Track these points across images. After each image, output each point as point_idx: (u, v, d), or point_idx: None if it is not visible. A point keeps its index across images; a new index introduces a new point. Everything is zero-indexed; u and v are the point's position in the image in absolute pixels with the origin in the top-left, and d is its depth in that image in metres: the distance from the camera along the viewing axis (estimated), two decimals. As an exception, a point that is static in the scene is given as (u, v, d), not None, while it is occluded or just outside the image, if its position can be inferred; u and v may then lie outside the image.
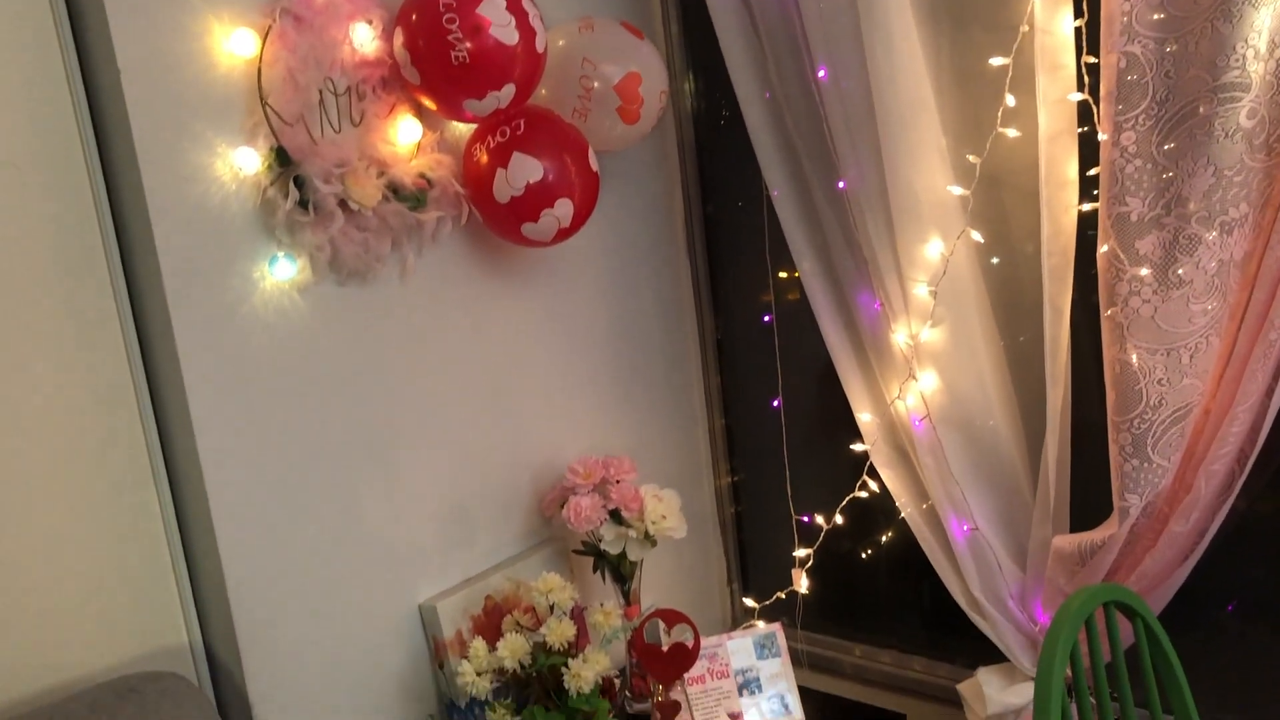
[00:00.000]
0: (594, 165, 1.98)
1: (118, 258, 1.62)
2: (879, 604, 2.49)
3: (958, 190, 1.90)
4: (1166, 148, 1.62)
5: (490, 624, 2.03)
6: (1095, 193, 1.72)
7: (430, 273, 1.99)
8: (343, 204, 1.74)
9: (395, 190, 1.82)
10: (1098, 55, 1.68)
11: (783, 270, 2.38)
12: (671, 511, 2.10)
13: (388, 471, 1.94)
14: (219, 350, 1.67)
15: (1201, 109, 1.58)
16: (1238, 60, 1.55)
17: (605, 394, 2.38)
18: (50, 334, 1.57)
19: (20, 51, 1.53)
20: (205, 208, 1.64)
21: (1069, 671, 1.62)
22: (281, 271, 1.73)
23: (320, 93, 1.74)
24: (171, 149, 1.60)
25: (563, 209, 1.92)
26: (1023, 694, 2.02)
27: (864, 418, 2.16)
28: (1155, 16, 1.59)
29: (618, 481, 2.10)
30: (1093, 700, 1.72)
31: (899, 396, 2.06)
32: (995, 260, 1.99)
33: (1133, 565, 1.85)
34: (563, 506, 2.09)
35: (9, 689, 1.53)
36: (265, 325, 1.73)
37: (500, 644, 1.87)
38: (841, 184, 2.03)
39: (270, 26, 1.67)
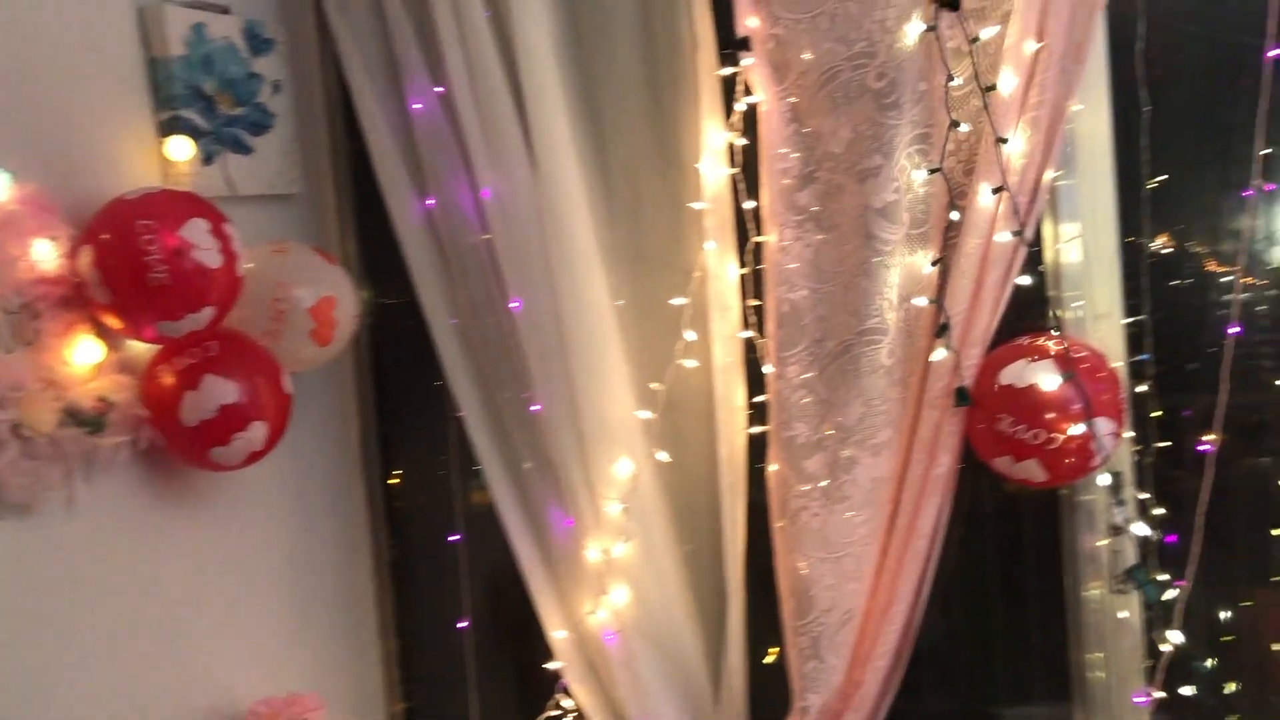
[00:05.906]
0: (287, 387, 1.95)
1: None
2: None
3: (643, 414, 2.05)
4: (825, 378, 1.87)
5: None
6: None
7: (100, 502, 1.83)
8: (15, 430, 1.59)
9: (72, 414, 1.69)
10: (761, 299, 1.92)
11: (473, 489, 2.41)
12: (365, 748, 2.00)
13: (43, 728, 1.71)
14: None
15: (852, 348, 1.84)
16: (877, 309, 1.83)
17: (285, 624, 2.25)
18: None
19: None
20: None
21: None
22: (-68, 507, 1.53)
23: (-9, 311, 1.61)
24: None
25: (256, 431, 1.86)
26: None
27: (558, 635, 2.17)
28: (808, 269, 1.86)
29: (305, 720, 1.98)
30: None
31: (591, 611, 2.11)
32: (676, 476, 2.14)
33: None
34: (244, 752, 1.93)
35: None
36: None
37: None
38: (536, 407, 2.11)
39: (-62, 241, 1.54)
